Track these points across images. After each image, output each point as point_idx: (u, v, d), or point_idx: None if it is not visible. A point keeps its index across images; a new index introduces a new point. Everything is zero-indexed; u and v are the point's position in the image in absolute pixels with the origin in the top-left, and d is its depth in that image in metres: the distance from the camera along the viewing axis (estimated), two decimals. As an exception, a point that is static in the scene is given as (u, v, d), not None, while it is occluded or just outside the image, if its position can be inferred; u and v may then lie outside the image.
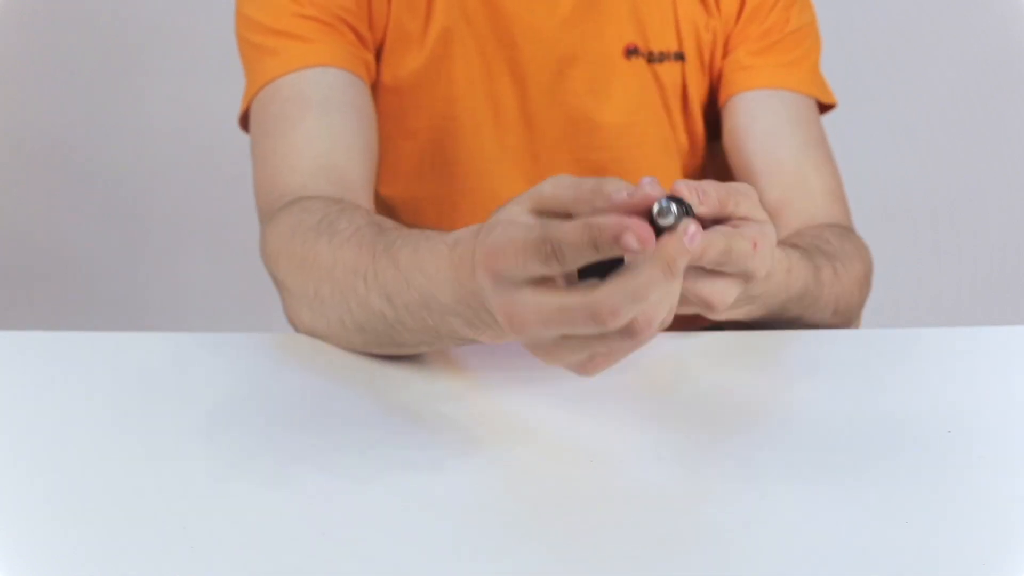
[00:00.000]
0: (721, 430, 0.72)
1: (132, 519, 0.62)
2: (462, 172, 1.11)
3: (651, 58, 1.09)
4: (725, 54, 1.12)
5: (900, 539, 0.59)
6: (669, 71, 1.10)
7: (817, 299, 0.90)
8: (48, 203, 2.09)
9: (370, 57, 1.06)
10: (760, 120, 1.09)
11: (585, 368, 0.62)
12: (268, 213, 0.95)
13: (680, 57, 1.10)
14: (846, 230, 1.03)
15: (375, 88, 1.08)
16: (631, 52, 1.09)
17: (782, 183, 1.06)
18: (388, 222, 0.81)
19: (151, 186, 2.09)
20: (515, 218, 0.61)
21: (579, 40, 1.08)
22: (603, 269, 0.58)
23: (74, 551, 0.59)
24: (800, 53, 1.12)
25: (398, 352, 0.80)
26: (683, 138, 1.13)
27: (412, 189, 1.12)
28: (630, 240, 0.55)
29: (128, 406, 0.77)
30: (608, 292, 0.56)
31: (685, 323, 0.84)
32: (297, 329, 0.88)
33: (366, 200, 0.97)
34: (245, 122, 1.06)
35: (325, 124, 0.98)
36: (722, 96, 1.12)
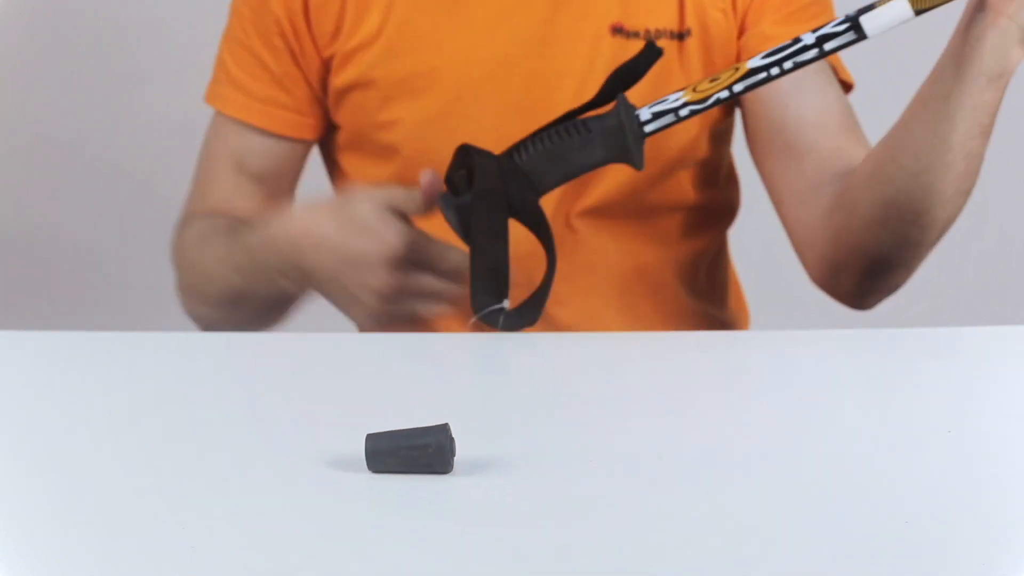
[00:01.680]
0: (721, 429, 0.72)
1: (132, 519, 0.62)
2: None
3: (643, 37, 1.08)
4: (741, 32, 1.10)
5: (900, 539, 0.59)
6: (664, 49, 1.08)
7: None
8: (48, 203, 2.09)
9: (312, 114, 1.15)
10: (795, 97, 1.07)
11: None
12: (180, 221, 1.20)
13: (677, 35, 1.09)
14: None
15: (340, 90, 1.11)
16: (617, 31, 1.08)
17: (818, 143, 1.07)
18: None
19: (151, 187, 2.08)
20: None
21: (563, 20, 1.07)
22: None
23: (74, 551, 0.59)
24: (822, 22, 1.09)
25: (259, 319, 1.11)
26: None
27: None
28: None
29: (128, 406, 0.77)
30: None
31: None
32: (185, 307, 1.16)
33: None
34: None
35: (233, 180, 1.16)
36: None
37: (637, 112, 0.90)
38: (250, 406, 0.77)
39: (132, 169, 2.07)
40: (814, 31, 0.87)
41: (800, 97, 1.08)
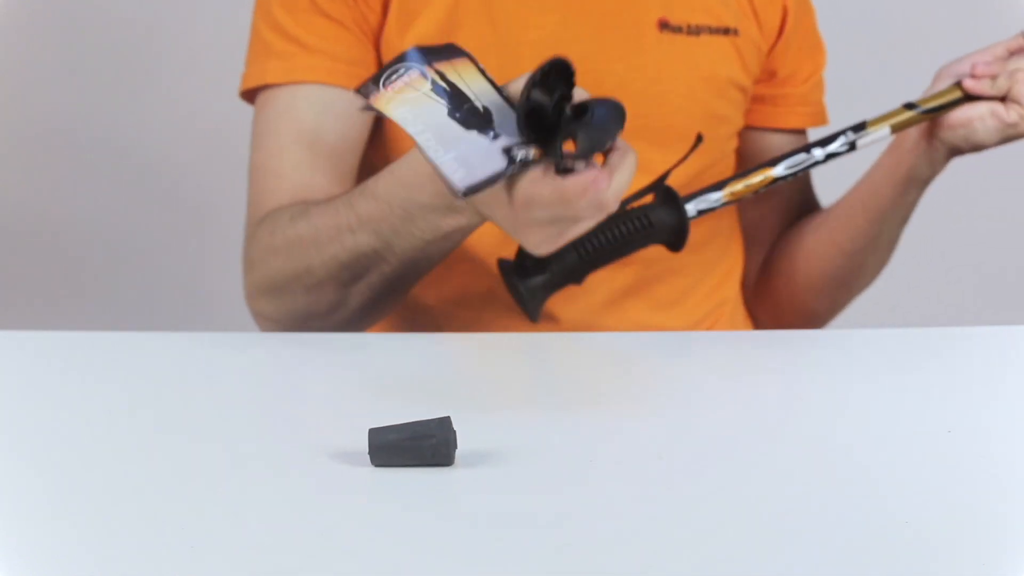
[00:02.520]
0: (721, 429, 0.72)
1: (132, 519, 0.62)
2: None
3: (690, 31, 1.10)
4: (770, 62, 1.16)
5: (900, 539, 0.59)
6: (710, 43, 1.10)
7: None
8: (48, 203, 2.09)
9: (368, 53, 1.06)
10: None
11: (554, 242, 0.80)
12: (248, 228, 1.03)
13: (721, 31, 1.11)
14: None
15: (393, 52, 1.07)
16: (664, 26, 1.09)
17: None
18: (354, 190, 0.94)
19: (152, 187, 2.09)
20: None
21: (611, 11, 1.08)
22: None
23: (74, 551, 0.59)
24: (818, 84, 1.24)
25: (386, 291, 0.95)
26: (723, 107, 1.14)
27: None
28: None
29: (128, 406, 0.77)
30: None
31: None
32: (287, 327, 0.96)
33: None
34: (248, 95, 1.10)
35: (309, 156, 1.03)
36: (775, 119, 1.21)
37: (687, 208, 1.04)
38: (252, 404, 0.78)
39: (132, 170, 2.07)
40: (823, 147, 1.07)
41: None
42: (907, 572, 0.57)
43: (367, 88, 0.73)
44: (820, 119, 1.23)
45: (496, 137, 0.72)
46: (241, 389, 0.81)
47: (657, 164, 1.11)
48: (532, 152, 0.72)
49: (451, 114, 0.73)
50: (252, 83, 1.07)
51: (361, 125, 1.06)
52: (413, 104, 0.72)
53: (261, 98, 1.07)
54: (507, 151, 0.71)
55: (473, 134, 0.72)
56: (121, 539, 0.60)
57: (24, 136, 2.05)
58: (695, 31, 1.10)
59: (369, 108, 0.74)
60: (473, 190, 0.70)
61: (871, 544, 0.59)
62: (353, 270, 0.94)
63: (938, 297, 2.11)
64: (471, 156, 0.71)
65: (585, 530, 0.60)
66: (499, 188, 0.77)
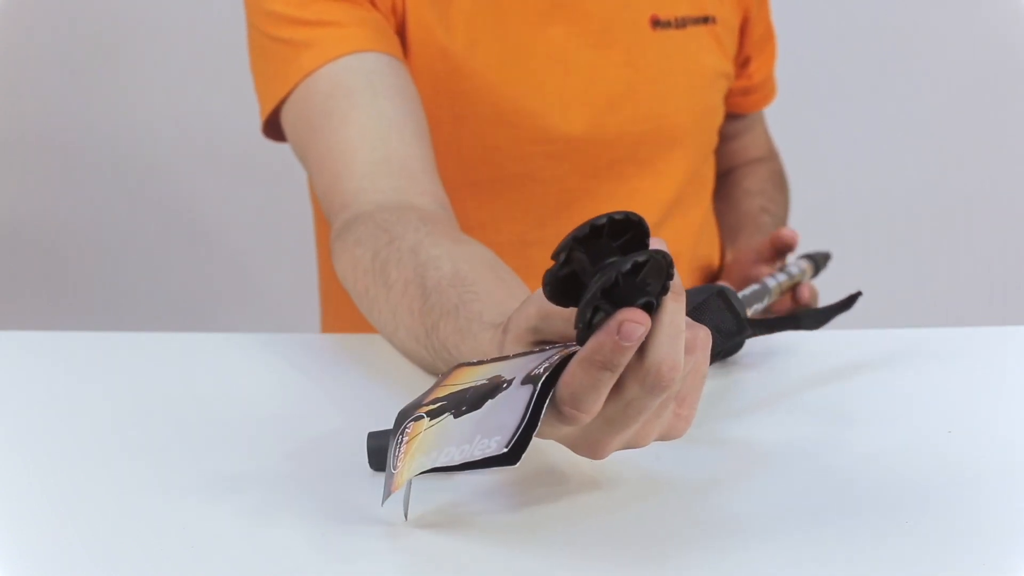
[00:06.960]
0: (720, 430, 0.72)
1: (132, 519, 0.62)
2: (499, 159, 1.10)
3: (678, 24, 1.11)
4: (743, 49, 1.20)
5: (900, 539, 0.59)
6: (695, 36, 1.12)
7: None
8: (47, 203, 2.09)
9: (393, 33, 1.03)
10: (761, 142, 1.34)
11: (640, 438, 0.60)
12: (333, 219, 0.93)
13: (702, 20, 1.13)
14: (773, 168, 1.33)
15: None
16: (657, 23, 1.10)
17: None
18: (430, 277, 0.78)
19: (151, 185, 2.09)
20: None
21: (608, 16, 1.08)
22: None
23: (74, 551, 0.59)
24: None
25: None
26: (713, 98, 1.17)
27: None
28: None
29: (128, 406, 0.77)
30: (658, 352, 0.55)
31: None
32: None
33: (429, 181, 0.93)
34: (268, 127, 1.02)
35: (374, 113, 0.94)
36: (751, 103, 1.28)
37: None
38: (251, 406, 0.78)
39: (132, 170, 2.07)
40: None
41: (751, 140, 1.33)
42: (907, 572, 0.57)
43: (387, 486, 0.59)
44: (774, 95, 1.31)
45: (510, 384, 0.58)
46: (240, 390, 0.81)
47: (668, 166, 1.12)
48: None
49: (456, 415, 0.58)
50: (290, 85, 0.97)
51: (410, 78, 1.00)
52: (421, 447, 0.58)
53: (295, 99, 0.97)
54: (531, 379, 0.56)
55: (488, 403, 0.57)
56: (121, 539, 0.60)
57: (25, 137, 2.06)
58: (681, 24, 1.11)
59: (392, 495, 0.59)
60: (518, 445, 0.56)
61: (871, 544, 0.59)
62: (423, 363, 0.82)
63: (938, 297, 2.11)
64: (493, 420, 0.56)
65: (583, 532, 0.60)
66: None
